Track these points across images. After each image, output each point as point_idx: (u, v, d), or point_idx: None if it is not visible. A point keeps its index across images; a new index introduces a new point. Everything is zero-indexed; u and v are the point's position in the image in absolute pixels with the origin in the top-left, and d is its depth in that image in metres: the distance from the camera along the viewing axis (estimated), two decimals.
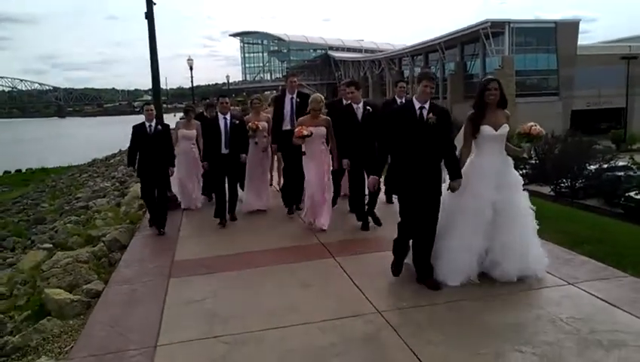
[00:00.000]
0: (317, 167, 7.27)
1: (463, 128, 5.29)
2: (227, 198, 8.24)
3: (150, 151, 7.83)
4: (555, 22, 58.80)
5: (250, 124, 8.55)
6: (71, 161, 44.91)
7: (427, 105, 5.04)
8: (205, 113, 10.17)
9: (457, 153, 5.24)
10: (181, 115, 12.77)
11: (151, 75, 9.69)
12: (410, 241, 5.30)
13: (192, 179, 9.52)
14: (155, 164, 7.81)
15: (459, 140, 5.35)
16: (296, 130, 7.09)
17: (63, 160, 46.46)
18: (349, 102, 7.56)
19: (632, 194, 24.50)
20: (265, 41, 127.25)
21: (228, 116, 8.15)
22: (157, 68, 9.83)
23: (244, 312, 4.86)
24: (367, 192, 7.15)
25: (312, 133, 7.05)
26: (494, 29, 56.10)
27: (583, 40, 61.13)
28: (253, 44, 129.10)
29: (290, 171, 8.45)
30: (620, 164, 28.13)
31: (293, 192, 8.46)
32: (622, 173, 27.08)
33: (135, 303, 5.34)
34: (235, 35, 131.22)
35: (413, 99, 5.12)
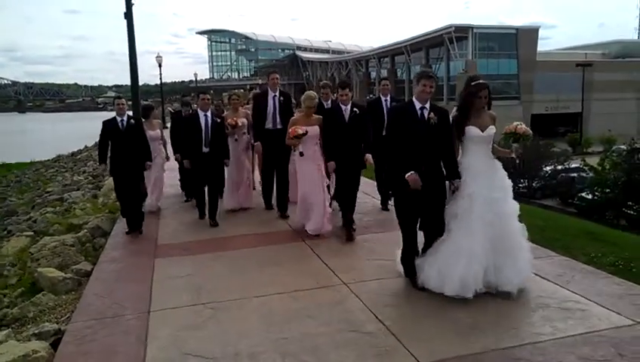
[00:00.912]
0: (311, 168, 7.00)
1: None
2: (207, 200, 8.09)
3: (123, 147, 7.47)
4: (517, 28, 60.71)
5: (229, 120, 8.41)
6: (33, 156, 44.02)
7: (427, 106, 4.99)
8: (183, 111, 10.04)
9: None
10: None
11: (130, 74, 10.18)
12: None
13: (158, 180, 9.14)
14: (128, 161, 7.47)
15: None
16: (291, 129, 6.84)
17: (25, 155, 45.51)
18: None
19: (583, 194, 25.90)
20: (232, 40, 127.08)
21: (209, 113, 7.94)
22: (135, 65, 10.32)
23: (225, 285, 5.48)
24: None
25: (307, 132, 6.80)
26: (458, 34, 57.72)
27: (543, 46, 63.51)
28: (220, 42, 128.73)
29: (270, 171, 8.42)
30: (573, 165, 29.60)
31: (271, 192, 8.52)
32: (575, 175, 28.55)
33: (125, 278, 5.90)
34: (201, 32, 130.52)
35: (413, 99, 5.03)
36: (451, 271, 4.82)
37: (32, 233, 9.47)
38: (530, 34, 59.71)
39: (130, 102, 10.74)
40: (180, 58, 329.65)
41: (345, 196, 7.12)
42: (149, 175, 8.44)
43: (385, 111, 7.76)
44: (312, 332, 4.32)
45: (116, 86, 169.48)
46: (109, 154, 7.76)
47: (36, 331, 4.69)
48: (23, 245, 8.49)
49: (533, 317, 4.49)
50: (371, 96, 71.15)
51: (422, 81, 4.96)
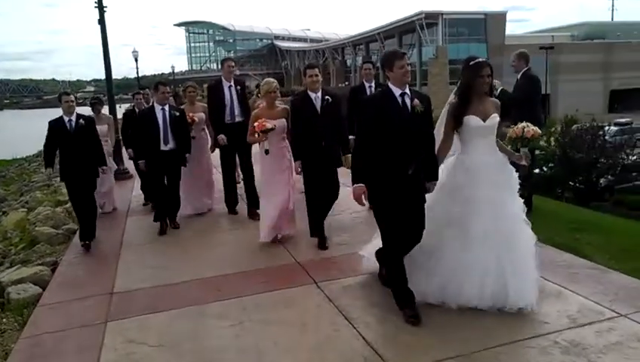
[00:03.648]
0: (277, 168, 6.28)
1: (441, 119, 4.60)
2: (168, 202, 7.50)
3: (73, 150, 6.70)
4: (485, 13, 62.89)
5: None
6: (14, 154, 44.67)
7: (408, 91, 4.19)
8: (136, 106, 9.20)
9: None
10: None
11: (105, 80, 11.69)
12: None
13: (105, 180, 8.32)
14: (80, 165, 6.74)
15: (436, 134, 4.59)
16: (257, 123, 6.00)
17: (5, 153, 46.20)
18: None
19: (534, 170, 28.03)
20: (210, 31, 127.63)
21: (167, 107, 7.24)
22: (110, 69, 11.90)
23: (181, 237, 7.23)
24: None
25: (275, 127, 6.06)
26: (429, 20, 59.64)
27: (520, 29, 65.51)
28: (198, 33, 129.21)
29: (231, 171, 7.97)
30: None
31: (235, 195, 8.03)
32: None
33: (105, 229, 7.74)
34: (179, 24, 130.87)
35: (390, 85, 4.21)
36: (455, 288, 4.28)
37: (26, 210, 11.18)
38: (499, 18, 61.84)
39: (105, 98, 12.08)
40: (160, 49, 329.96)
41: (321, 204, 6.20)
42: (103, 180, 7.92)
43: None
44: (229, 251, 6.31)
45: (95, 80, 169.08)
46: (57, 157, 7.18)
47: (40, 262, 6.55)
48: (19, 218, 10.22)
49: None
50: (347, 83, 73.01)
51: (397, 62, 4.13)
